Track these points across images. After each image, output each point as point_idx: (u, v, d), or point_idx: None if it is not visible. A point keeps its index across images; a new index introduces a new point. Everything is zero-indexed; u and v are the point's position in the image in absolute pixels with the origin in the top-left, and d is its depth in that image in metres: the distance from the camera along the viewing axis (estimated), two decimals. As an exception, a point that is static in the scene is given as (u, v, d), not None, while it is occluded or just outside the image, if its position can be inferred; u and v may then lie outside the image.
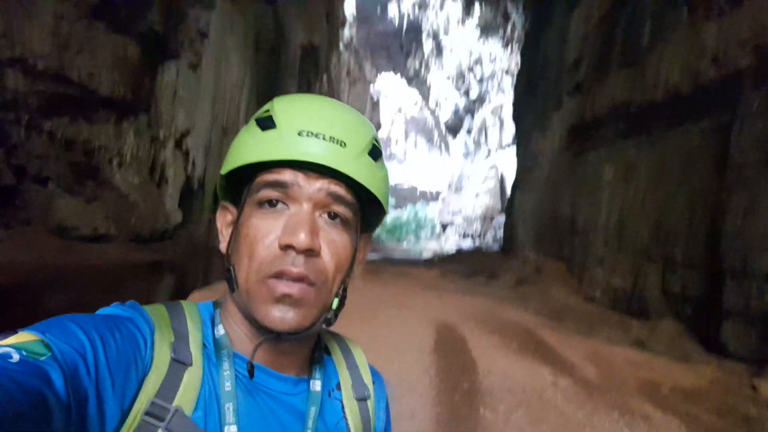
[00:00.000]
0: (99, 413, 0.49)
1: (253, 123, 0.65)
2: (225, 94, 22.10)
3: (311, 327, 0.63)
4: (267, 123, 0.63)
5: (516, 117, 15.63)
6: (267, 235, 0.61)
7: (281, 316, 0.60)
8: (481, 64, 26.43)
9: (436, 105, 31.82)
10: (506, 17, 21.30)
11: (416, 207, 36.13)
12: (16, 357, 0.43)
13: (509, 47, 22.89)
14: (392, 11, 31.62)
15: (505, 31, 22.48)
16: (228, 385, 0.61)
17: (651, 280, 7.34)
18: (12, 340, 0.46)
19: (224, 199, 0.71)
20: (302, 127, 0.62)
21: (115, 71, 19.69)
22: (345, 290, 0.67)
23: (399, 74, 33.93)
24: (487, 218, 24.94)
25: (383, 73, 33.95)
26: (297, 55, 24.17)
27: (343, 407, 0.72)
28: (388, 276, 10.05)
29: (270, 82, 23.52)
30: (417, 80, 33.09)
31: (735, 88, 6.18)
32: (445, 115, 30.90)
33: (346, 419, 0.71)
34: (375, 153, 0.66)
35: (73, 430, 0.45)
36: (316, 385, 0.70)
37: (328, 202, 0.63)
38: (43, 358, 0.45)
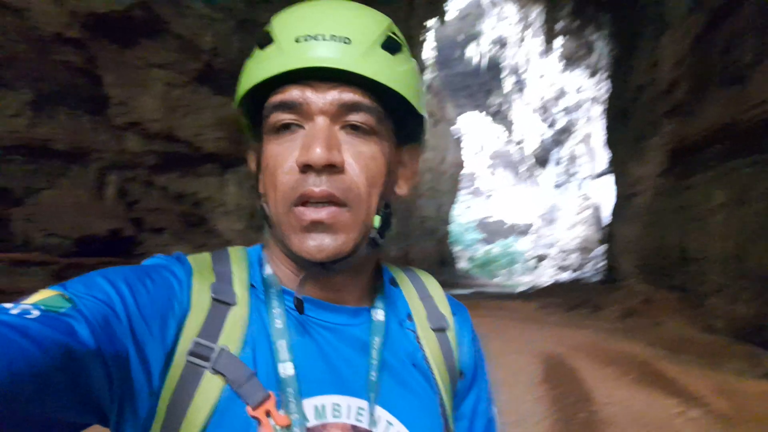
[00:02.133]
0: (141, 361, 0.49)
1: (255, 47, 0.60)
2: (315, 143, 23.24)
3: (354, 252, 0.57)
4: (265, 39, 0.58)
5: (609, 145, 15.12)
6: (285, 160, 0.56)
7: (317, 245, 0.55)
8: (565, 95, 25.98)
9: (521, 138, 31.48)
10: (589, 47, 20.93)
11: (507, 241, 35.40)
12: (35, 313, 0.42)
13: (595, 76, 22.36)
14: (471, 52, 32.09)
15: (589, 61, 22.05)
16: (279, 323, 0.57)
17: (781, 308, 6.70)
18: (32, 298, 0.45)
19: (251, 137, 0.67)
20: (299, 32, 0.55)
21: (218, 129, 21.48)
22: (388, 207, 0.61)
23: (482, 111, 34.08)
24: (584, 249, 23.89)
25: (466, 111, 34.26)
26: (381, 100, 24.92)
27: (417, 338, 0.66)
28: (484, 310, 9.91)
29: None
30: (500, 116, 33.04)
31: None
32: (531, 148, 30.43)
33: (423, 350, 0.65)
34: (391, 45, 0.58)
35: (116, 380, 0.45)
36: (378, 314, 0.64)
37: (344, 113, 0.57)
38: (63, 310, 0.43)
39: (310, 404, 0.55)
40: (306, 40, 0.55)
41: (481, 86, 32.86)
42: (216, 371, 0.52)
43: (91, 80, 16.98)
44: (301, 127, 0.57)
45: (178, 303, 0.54)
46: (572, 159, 26.53)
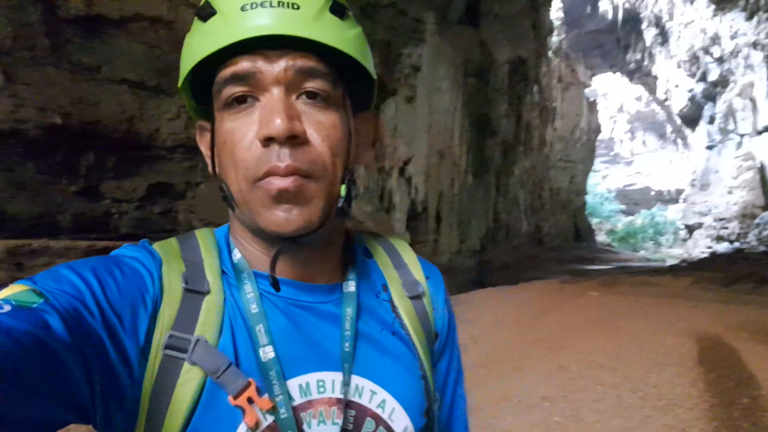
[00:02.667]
0: (120, 354, 0.48)
1: (195, 20, 0.57)
2: (438, 121, 23.22)
3: (323, 223, 0.57)
4: (207, 11, 0.55)
5: (775, 95, 13.15)
6: (244, 135, 0.55)
7: (285, 217, 0.54)
8: (719, 43, 22.95)
9: (666, 96, 28.50)
10: (748, -17, 18.25)
11: (652, 210, 32.54)
12: (6, 308, 0.41)
13: (754, 18, 19.48)
14: (604, 6, 29.60)
15: (747, 1, 19.23)
16: (254, 307, 0.57)
17: None
18: (2, 293, 0.44)
19: (198, 117, 0.65)
20: (244, 0, 0.53)
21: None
22: (352, 175, 0.60)
23: (617, 71, 31.43)
24: (746, 216, 21.21)
25: (599, 73, 31.85)
26: (505, 71, 24.20)
27: (394, 307, 0.67)
28: (626, 287, 9.29)
29: (480, 103, 23.98)
30: (640, 73, 30.20)
31: None
32: (678, 106, 27.45)
33: (401, 318, 0.66)
34: (338, 9, 0.57)
35: (96, 374, 0.45)
36: (350, 286, 0.64)
37: (299, 81, 0.55)
38: (35, 305, 0.43)
39: (294, 384, 0.56)
40: (253, 7, 0.52)
41: (616, 43, 30.24)
42: (194, 363, 0.52)
43: (232, 80, 18.60)
44: (256, 99, 0.55)
45: (149, 296, 0.53)
46: (729, 115, 23.49)
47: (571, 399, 3.91)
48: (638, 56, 29.50)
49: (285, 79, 0.54)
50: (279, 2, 0.53)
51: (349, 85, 0.60)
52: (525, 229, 19.71)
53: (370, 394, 0.60)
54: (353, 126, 0.62)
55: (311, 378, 0.57)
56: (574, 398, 3.92)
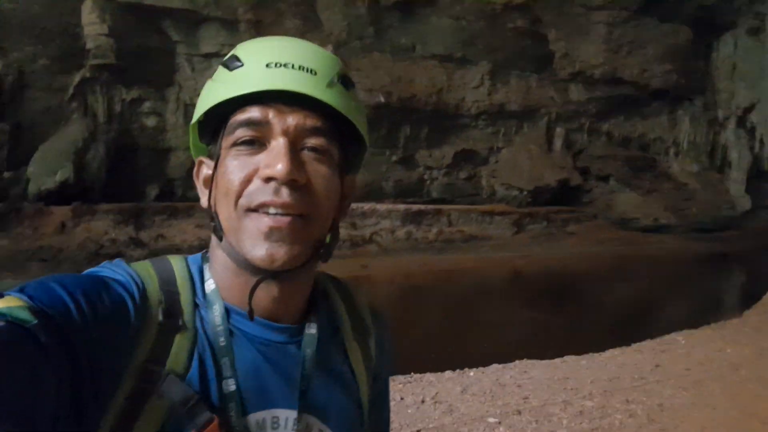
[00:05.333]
0: (95, 380, 0.49)
1: (219, 68, 0.64)
2: (800, 54, 18.25)
3: (305, 264, 0.62)
4: (233, 62, 0.62)
5: None
6: (245, 169, 0.59)
7: (272, 253, 0.58)
8: None
9: None
10: None
11: None
12: (0, 323, 0.43)
13: None
14: None
15: None
16: (222, 341, 0.61)
17: None
18: None
19: (199, 154, 0.70)
20: (270, 59, 0.60)
21: (665, 61, 19.69)
22: (336, 226, 0.67)
23: None
24: None
25: None
26: None
27: (345, 349, 0.72)
28: None
29: None
30: None
31: None
32: None
33: (349, 360, 0.71)
34: (346, 81, 0.65)
35: (66, 395, 0.45)
36: (312, 328, 0.68)
37: (305, 136, 0.61)
38: (29, 325, 0.44)
39: (252, 420, 0.60)
40: (276, 66, 0.60)
41: None
42: (161, 395, 0.54)
43: (536, 41, 18.40)
44: (263, 144, 0.60)
45: (130, 324, 0.55)
46: None
47: None
48: None
49: (293, 133, 0.61)
50: (300, 66, 0.61)
51: (343, 148, 0.67)
52: None
53: None
54: (343, 184, 0.68)
55: (267, 415, 0.62)
56: None
